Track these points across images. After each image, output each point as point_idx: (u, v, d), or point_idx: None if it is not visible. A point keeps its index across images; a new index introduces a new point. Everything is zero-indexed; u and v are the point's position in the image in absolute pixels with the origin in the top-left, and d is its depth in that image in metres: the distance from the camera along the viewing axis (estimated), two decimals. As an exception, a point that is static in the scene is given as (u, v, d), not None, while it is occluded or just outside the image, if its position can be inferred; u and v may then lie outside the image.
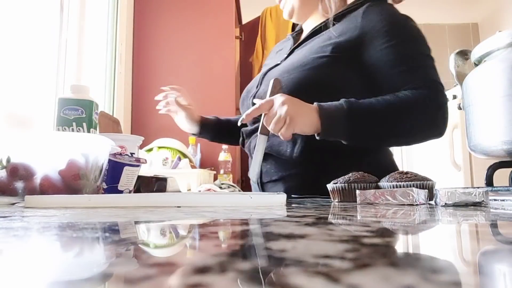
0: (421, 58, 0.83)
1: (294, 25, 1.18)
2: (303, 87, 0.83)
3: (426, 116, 0.79)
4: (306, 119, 0.75)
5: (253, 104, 0.82)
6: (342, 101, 0.77)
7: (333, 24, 0.91)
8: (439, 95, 0.80)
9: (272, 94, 0.78)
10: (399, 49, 0.81)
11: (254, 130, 0.93)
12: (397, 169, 0.88)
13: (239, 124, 0.79)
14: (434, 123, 0.80)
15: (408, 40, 0.83)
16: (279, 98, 0.74)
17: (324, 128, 0.75)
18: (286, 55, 0.98)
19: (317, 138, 0.77)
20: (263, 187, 0.94)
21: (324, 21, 0.94)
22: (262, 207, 0.47)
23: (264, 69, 1.02)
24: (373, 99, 0.79)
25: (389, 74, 0.82)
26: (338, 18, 0.91)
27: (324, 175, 0.75)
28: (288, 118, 0.73)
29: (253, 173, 0.79)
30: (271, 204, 0.52)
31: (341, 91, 0.82)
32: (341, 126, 0.76)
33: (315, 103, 0.77)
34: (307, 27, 1.02)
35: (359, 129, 0.78)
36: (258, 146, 0.77)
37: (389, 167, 0.89)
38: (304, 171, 0.87)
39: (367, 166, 0.75)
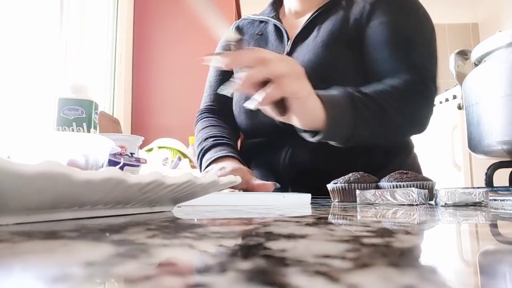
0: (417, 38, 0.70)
1: None
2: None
3: (414, 107, 0.69)
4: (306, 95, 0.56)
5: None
6: (341, 90, 0.63)
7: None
8: (428, 84, 0.69)
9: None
10: (394, 27, 0.70)
11: None
12: (421, 172, 0.81)
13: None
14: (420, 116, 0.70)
15: (405, 15, 0.71)
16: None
17: (329, 118, 0.58)
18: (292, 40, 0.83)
19: (312, 139, 0.62)
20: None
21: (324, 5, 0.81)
22: (262, 206, 0.47)
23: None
24: (365, 88, 0.66)
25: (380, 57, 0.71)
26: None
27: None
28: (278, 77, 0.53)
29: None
30: (299, 204, 0.54)
31: (336, 71, 0.74)
32: (346, 119, 0.61)
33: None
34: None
35: (363, 124, 0.63)
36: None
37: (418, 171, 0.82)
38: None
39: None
